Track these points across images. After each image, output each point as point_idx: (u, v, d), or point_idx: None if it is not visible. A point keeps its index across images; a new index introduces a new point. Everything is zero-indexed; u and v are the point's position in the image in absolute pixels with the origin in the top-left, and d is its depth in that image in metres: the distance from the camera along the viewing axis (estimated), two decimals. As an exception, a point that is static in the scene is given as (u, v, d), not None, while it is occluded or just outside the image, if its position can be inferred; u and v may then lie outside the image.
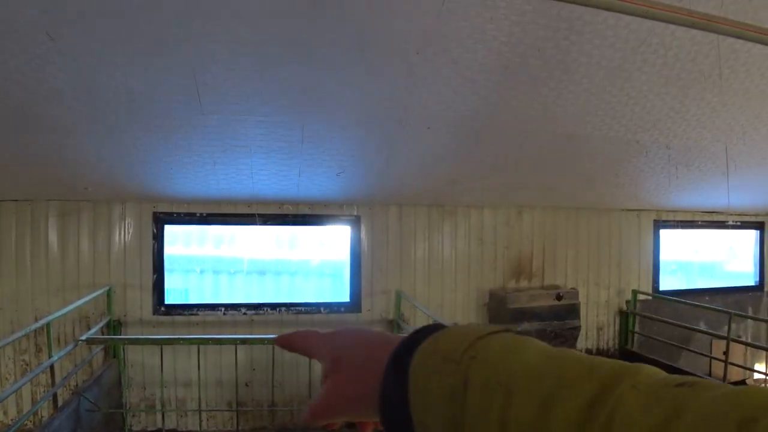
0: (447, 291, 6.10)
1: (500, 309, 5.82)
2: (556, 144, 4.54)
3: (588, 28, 3.19)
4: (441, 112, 4.09)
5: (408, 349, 0.51)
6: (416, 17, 3.13)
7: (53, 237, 5.46)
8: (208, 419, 5.71)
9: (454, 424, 0.44)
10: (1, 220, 5.40)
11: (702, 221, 6.83)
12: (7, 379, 5.45)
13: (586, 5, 1.76)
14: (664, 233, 6.75)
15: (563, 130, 4.33)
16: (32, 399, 5.40)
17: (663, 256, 6.82)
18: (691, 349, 6.16)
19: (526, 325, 5.65)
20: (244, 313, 5.78)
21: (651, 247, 6.70)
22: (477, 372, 0.44)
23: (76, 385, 5.09)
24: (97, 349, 5.25)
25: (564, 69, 3.57)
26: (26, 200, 5.40)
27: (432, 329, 0.52)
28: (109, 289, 5.43)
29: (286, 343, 0.70)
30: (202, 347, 4.84)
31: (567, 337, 5.85)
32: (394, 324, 5.88)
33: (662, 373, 0.40)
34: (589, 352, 6.02)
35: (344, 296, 6.06)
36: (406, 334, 0.54)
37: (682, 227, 6.82)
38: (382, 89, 3.83)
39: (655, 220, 6.63)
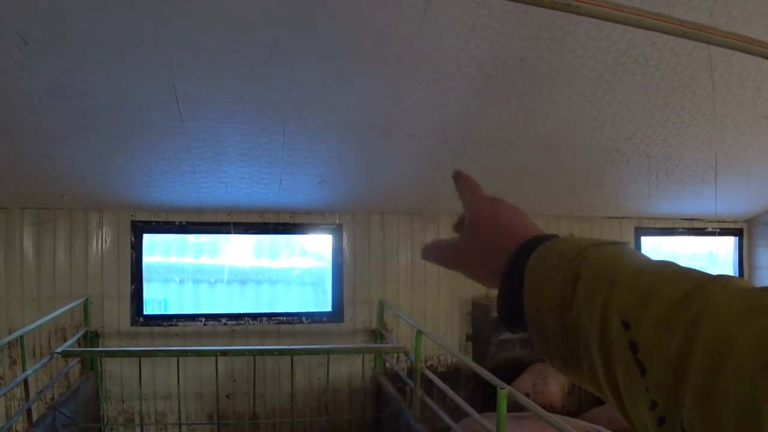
0: (430, 300, 6.07)
1: (483, 317, 5.80)
2: (538, 152, 4.55)
3: (569, 37, 3.20)
4: (424, 121, 4.07)
5: (529, 247, 0.60)
6: (398, 25, 3.11)
7: (28, 246, 5.34)
8: (188, 432, 5.62)
9: (562, 307, 0.52)
10: (-26, 229, 5.27)
11: (682, 228, 6.88)
12: (-21, 392, 5.31)
13: (579, 14, 1.75)
14: (645, 240, 6.80)
15: (545, 139, 4.34)
16: (7, 413, 5.26)
17: (644, 263, 6.84)
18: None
19: (509, 334, 5.64)
20: (225, 324, 5.70)
21: (632, 254, 6.72)
22: (587, 269, 0.52)
23: (52, 398, 4.97)
24: (74, 362, 5.13)
25: (545, 79, 3.57)
26: (0, 208, 5.28)
27: (543, 239, 0.62)
28: (86, 300, 5.32)
29: (462, 177, 0.80)
30: (182, 359, 4.76)
31: (550, 345, 5.84)
32: (377, 334, 5.84)
33: (752, 284, 0.45)
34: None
35: (326, 305, 6.00)
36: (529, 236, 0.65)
37: (663, 234, 6.86)
38: (365, 97, 3.80)
39: (636, 228, 6.66)
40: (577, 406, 6.17)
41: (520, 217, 0.72)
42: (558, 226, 6.36)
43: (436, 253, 0.77)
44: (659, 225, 6.76)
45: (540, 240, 0.62)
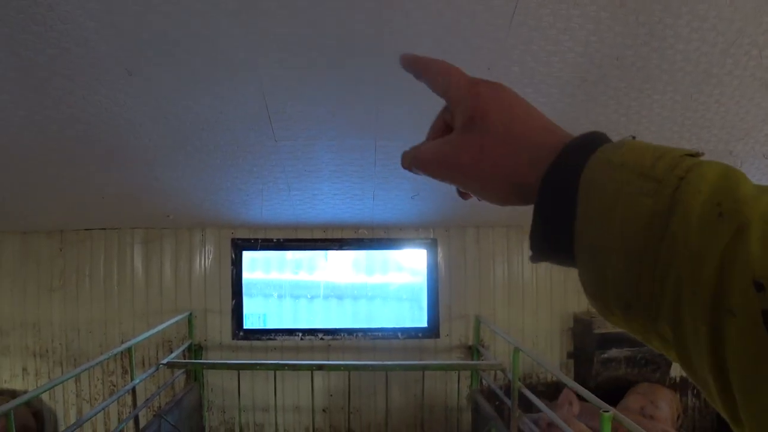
0: (528, 315, 5.85)
1: (585, 334, 5.52)
2: (642, 158, 4.29)
3: (669, 32, 2.98)
4: (517, 130, 3.95)
5: (579, 150, 0.42)
6: (486, 31, 3.02)
7: (138, 263, 5.66)
8: (285, 445, 5.70)
9: (644, 249, 0.36)
10: (91, 247, 5.66)
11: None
12: (96, 399, 5.66)
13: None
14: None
15: (649, 142, 4.08)
16: (119, 419, 5.57)
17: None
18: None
19: (614, 352, 5.32)
20: (321, 338, 5.76)
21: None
22: (691, 197, 0.35)
23: (159, 407, 5.20)
24: (179, 373, 5.35)
25: (645, 77, 3.35)
26: (113, 228, 5.64)
27: (601, 136, 0.44)
28: (190, 314, 5.55)
29: (412, 62, 0.59)
30: (279, 372, 4.84)
31: (659, 363, 5.46)
32: (473, 350, 5.69)
33: None
34: (684, 380, 5.61)
35: (422, 321, 5.93)
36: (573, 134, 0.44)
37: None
38: (455, 108, 3.73)
39: (754, 239, 6.15)
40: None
41: (534, 109, 0.51)
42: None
43: (421, 156, 0.57)
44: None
45: (592, 139, 0.45)
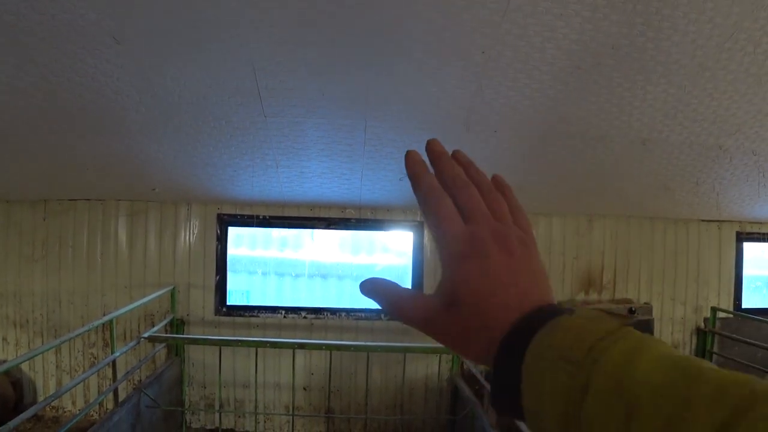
0: (511, 301, 5.87)
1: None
2: (631, 149, 4.28)
3: (666, 23, 2.97)
4: (508, 115, 3.92)
5: (524, 331, 0.49)
6: (482, 15, 2.99)
7: (122, 236, 5.62)
8: (264, 421, 5.72)
9: (566, 418, 0.43)
10: (75, 218, 5.59)
11: (793, 234, 6.32)
12: (76, 370, 5.65)
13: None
14: (747, 246, 6.29)
15: (639, 134, 4.07)
16: (99, 391, 5.56)
17: (747, 271, 6.35)
18: (778, 373, 5.70)
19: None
20: (305, 317, 5.76)
21: (733, 262, 6.23)
22: (599, 379, 0.42)
23: (139, 381, 5.19)
24: (160, 347, 5.34)
25: (640, 68, 3.34)
26: (98, 200, 5.57)
27: (548, 312, 0.50)
28: (173, 288, 5.53)
29: (412, 177, 0.59)
30: (261, 350, 4.83)
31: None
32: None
33: None
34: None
35: (406, 303, 5.93)
36: (527, 311, 0.51)
37: (769, 241, 6.34)
38: (447, 91, 3.70)
39: (738, 232, 6.18)
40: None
41: (518, 271, 0.55)
42: (652, 228, 6.01)
43: (388, 302, 0.59)
44: (765, 230, 6.24)
45: (538, 320, 0.49)
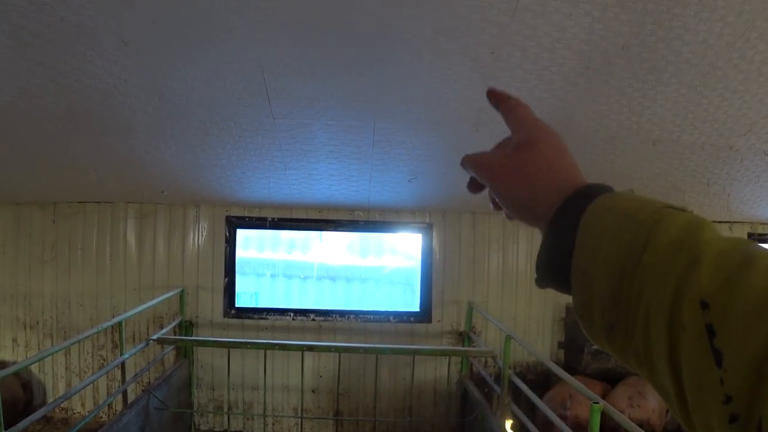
0: (521, 304, 5.85)
1: (577, 325, 5.48)
2: (641, 149, 4.24)
3: (677, 22, 2.93)
4: (517, 116, 3.89)
5: (584, 196, 0.53)
6: (491, 15, 2.97)
7: (131, 238, 5.63)
8: (273, 424, 5.71)
9: (622, 274, 0.45)
10: (84, 220, 5.61)
11: (806, 236, 6.24)
12: (85, 372, 5.66)
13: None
14: (760, 249, 6.22)
15: (649, 134, 4.03)
16: (108, 393, 5.57)
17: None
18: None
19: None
20: (313, 319, 5.75)
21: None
22: (661, 235, 0.44)
23: (148, 382, 5.20)
24: (168, 349, 5.35)
25: (650, 68, 3.30)
26: (107, 202, 5.59)
27: (599, 188, 0.54)
28: (182, 291, 5.53)
29: (497, 96, 0.70)
30: (269, 352, 4.83)
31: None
32: (464, 336, 5.69)
33: None
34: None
35: (414, 305, 5.92)
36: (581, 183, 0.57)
37: (782, 242, 6.26)
38: (456, 91, 3.68)
39: (749, 233, 6.11)
40: (678, 424, 5.74)
41: (571, 158, 0.63)
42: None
43: (476, 161, 0.67)
44: (778, 231, 6.18)
45: (596, 190, 0.54)
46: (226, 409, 5.47)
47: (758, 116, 3.81)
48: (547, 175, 0.58)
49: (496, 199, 0.65)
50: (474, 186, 0.71)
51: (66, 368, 5.70)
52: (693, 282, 0.40)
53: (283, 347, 4.53)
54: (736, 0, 2.78)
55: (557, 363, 5.20)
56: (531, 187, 0.59)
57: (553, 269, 0.54)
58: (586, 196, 0.53)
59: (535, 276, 0.58)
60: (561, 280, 0.53)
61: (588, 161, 4.42)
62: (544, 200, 0.57)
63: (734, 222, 6.02)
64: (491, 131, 4.08)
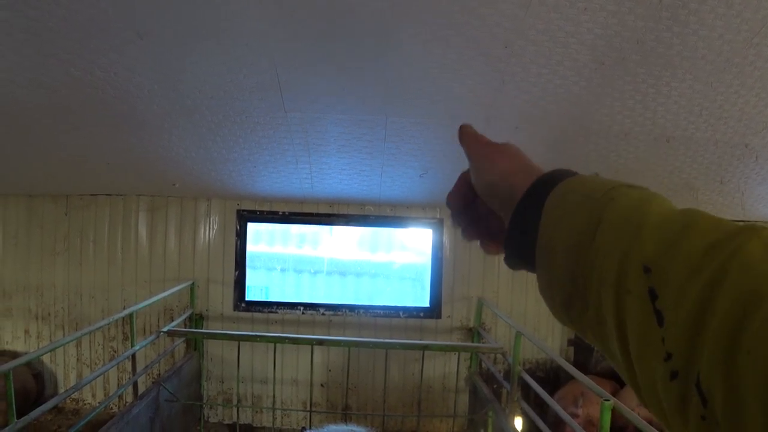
0: (531, 301, 5.82)
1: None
2: (655, 146, 4.20)
3: (693, 17, 2.90)
4: (530, 111, 3.87)
5: (547, 182, 0.56)
6: (505, 8, 2.95)
7: (142, 231, 5.66)
8: (282, 417, 5.72)
9: (578, 248, 0.48)
10: (96, 213, 5.64)
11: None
12: (96, 363, 5.70)
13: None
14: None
15: (663, 131, 3.99)
16: (118, 384, 5.61)
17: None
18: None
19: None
20: (323, 314, 5.76)
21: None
22: (612, 211, 0.48)
23: (158, 374, 5.23)
24: (179, 341, 5.38)
25: (665, 64, 3.27)
26: (119, 195, 5.62)
27: (565, 173, 0.57)
28: (193, 283, 5.56)
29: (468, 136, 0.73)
30: (279, 346, 4.83)
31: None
32: (474, 332, 5.68)
33: None
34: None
35: (424, 301, 5.91)
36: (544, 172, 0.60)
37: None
38: (468, 86, 3.66)
39: (765, 234, 6.06)
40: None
41: (525, 157, 0.67)
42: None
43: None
44: (793, 231, 6.10)
45: (559, 175, 0.57)
46: (235, 401, 5.49)
47: (775, 114, 3.77)
48: (523, 161, 0.63)
49: (476, 179, 0.68)
50: (468, 234, 0.75)
51: (77, 359, 5.74)
52: (636, 249, 0.43)
53: (292, 341, 4.53)
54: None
55: (567, 361, 5.18)
56: (513, 160, 0.64)
57: (521, 247, 0.57)
58: (552, 178, 0.57)
59: (503, 257, 0.62)
60: (527, 259, 0.56)
61: (601, 157, 4.39)
62: (523, 176, 0.60)
63: (749, 221, 5.96)
64: (501, 127, 4.06)
